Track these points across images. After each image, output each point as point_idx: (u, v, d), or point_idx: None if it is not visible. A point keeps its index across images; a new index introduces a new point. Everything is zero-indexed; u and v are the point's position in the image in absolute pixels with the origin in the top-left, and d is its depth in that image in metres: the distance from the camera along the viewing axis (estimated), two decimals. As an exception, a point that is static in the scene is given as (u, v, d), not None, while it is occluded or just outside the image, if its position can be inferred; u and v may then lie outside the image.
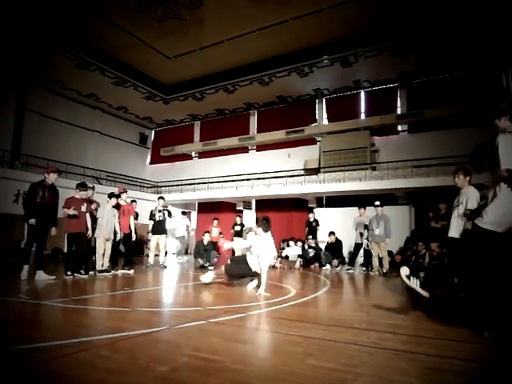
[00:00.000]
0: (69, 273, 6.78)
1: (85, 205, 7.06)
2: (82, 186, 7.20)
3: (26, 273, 6.16)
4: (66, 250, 7.08)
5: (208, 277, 6.04)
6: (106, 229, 7.46)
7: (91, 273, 7.26)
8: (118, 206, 7.96)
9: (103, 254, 7.55)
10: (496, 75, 14.08)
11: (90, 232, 7.14)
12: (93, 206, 7.56)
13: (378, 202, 9.50)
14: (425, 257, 8.43)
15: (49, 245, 11.53)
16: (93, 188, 8.36)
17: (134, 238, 8.44)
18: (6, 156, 15.17)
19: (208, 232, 11.35)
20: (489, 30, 12.00)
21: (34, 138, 16.97)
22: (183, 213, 14.13)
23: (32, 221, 6.14)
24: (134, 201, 9.79)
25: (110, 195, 7.72)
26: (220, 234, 12.32)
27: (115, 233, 7.76)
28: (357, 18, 12.15)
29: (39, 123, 17.31)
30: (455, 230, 5.48)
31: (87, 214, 7.11)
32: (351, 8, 11.61)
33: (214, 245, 11.12)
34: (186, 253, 16.05)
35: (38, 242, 6.47)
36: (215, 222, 12.50)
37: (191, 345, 2.60)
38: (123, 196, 8.33)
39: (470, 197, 5.27)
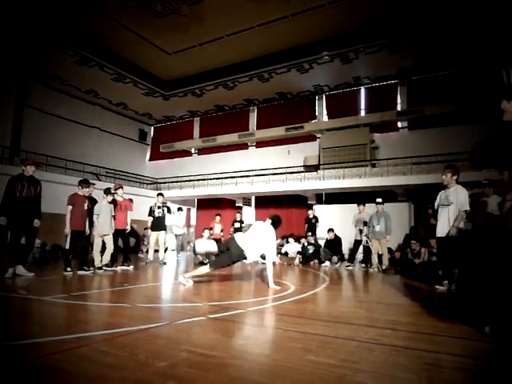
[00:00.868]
0: (68, 269, 6.79)
1: (87, 202, 7.11)
2: (84, 183, 7.24)
3: (11, 273, 5.95)
4: (67, 247, 7.09)
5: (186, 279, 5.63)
6: (104, 225, 7.48)
7: (91, 269, 7.28)
8: (114, 202, 7.96)
9: (102, 251, 7.57)
10: (496, 72, 14.05)
11: (87, 229, 7.18)
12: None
13: (379, 199, 9.49)
14: (420, 254, 8.43)
15: (49, 241, 11.60)
16: (93, 185, 8.36)
17: (127, 230, 8.41)
18: (5, 152, 15.17)
19: (207, 229, 11.31)
20: (490, 27, 11.96)
21: (34, 134, 16.95)
22: (179, 209, 13.93)
23: (2, 219, 5.96)
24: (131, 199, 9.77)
25: (106, 191, 7.74)
26: (221, 230, 12.25)
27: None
28: (357, 13, 12.12)
29: (38, 119, 17.28)
30: (447, 229, 5.53)
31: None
32: (351, 4, 11.58)
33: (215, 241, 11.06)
34: (182, 249, 15.97)
35: (27, 237, 6.44)
36: (217, 218, 12.30)
37: (190, 341, 2.60)
38: (119, 192, 8.32)
39: (461, 198, 5.41)
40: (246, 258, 5.60)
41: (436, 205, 5.98)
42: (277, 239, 6.12)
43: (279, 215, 5.96)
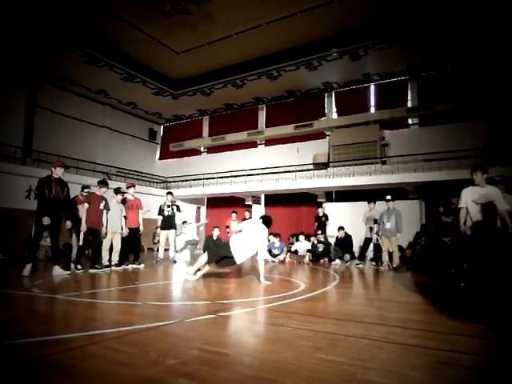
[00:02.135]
0: (79, 266, 6.91)
1: (103, 202, 7.25)
2: (102, 183, 7.50)
3: (28, 270, 5.94)
4: (81, 243, 7.21)
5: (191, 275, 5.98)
6: (113, 223, 7.56)
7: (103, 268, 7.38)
8: (123, 201, 8.05)
9: (110, 249, 7.65)
10: (509, 67, 13.83)
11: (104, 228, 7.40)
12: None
13: (389, 197, 9.44)
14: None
15: (60, 240, 11.73)
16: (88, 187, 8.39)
17: (141, 231, 8.49)
18: (18, 152, 15.37)
19: (217, 227, 11.34)
20: (502, 21, 11.76)
21: (45, 134, 17.13)
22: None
23: (45, 219, 6.05)
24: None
25: (116, 191, 7.84)
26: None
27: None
28: (366, 9, 12.01)
29: (50, 120, 17.47)
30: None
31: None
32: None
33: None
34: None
35: (51, 237, 6.55)
36: (234, 215, 11.81)
37: (201, 338, 2.61)
38: (131, 190, 8.39)
39: (500, 198, 5.32)
40: (232, 258, 5.75)
41: (465, 202, 5.54)
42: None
43: (270, 216, 6.23)
